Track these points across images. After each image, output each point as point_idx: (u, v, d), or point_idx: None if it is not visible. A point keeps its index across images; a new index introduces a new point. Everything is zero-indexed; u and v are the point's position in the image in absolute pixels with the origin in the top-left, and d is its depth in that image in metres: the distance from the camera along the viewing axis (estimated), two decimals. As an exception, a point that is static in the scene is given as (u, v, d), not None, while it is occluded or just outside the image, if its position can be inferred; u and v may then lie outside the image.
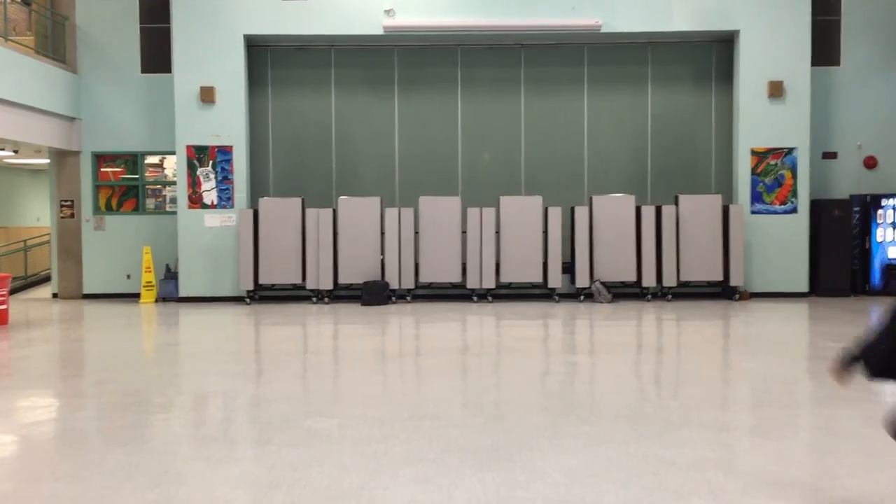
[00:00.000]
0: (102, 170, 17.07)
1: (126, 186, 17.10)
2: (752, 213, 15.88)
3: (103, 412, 7.31)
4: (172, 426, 6.79)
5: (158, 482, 5.11)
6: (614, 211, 15.54)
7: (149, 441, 6.26)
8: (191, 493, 4.91)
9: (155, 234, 16.77)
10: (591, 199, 15.72)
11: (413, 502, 4.63)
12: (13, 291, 16.85)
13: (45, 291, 18.58)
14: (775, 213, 15.93)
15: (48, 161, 17.56)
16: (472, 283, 15.28)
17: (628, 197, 15.72)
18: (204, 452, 5.87)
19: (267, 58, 16.58)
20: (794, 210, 15.91)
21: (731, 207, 15.48)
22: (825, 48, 16.44)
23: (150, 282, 16.14)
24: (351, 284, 15.54)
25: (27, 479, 5.30)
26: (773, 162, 15.93)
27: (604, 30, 15.79)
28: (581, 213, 15.48)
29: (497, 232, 15.41)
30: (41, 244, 21.45)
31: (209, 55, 15.77)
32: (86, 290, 16.88)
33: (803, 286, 15.85)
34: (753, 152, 15.95)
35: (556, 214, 15.40)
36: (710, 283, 15.87)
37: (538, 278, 15.51)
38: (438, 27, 15.80)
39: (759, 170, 15.94)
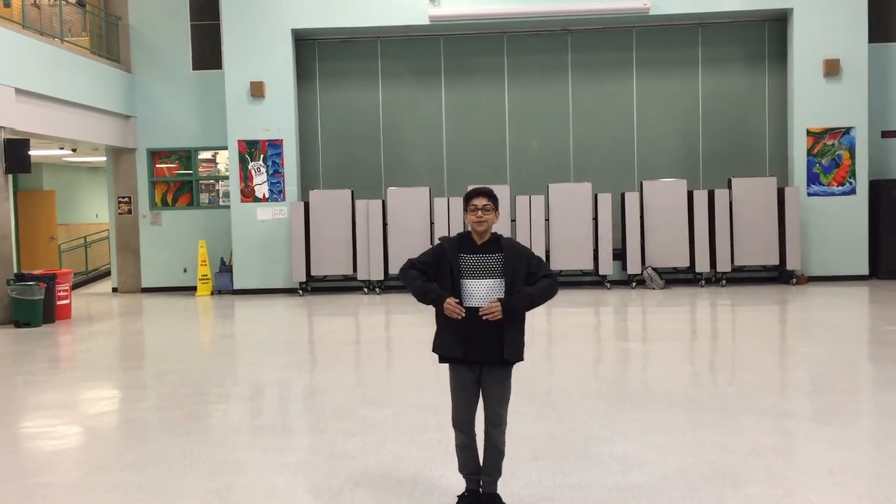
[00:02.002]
0: (157, 166, 17.42)
1: (180, 182, 17.43)
2: (809, 195, 15.53)
3: (164, 403, 7.49)
4: (231, 416, 6.93)
5: (219, 470, 5.23)
6: (665, 196, 15.34)
7: (208, 431, 6.40)
8: (251, 481, 5.01)
9: (209, 228, 17.06)
10: (641, 185, 15.54)
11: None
12: (75, 286, 17.33)
13: (105, 286, 19.06)
14: (833, 194, 15.55)
15: (105, 159, 17.97)
16: (522, 271, 15.20)
17: (680, 181, 15.50)
18: (262, 441, 5.98)
19: (314, 51, 16.71)
20: (852, 191, 15.52)
21: (787, 190, 15.16)
22: (882, 24, 15.96)
23: (206, 275, 16.44)
24: (402, 274, 15.59)
25: (94, 468, 5.47)
26: (829, 142, 15.54)
27: (652, 12, 15.56)
28: (631, 199, 15.32)
29: (546, 219, 15.34)
30: (101, 240, 22.00)
31: (258, 50, 15.96)
32: (144, 284, 17.27)
33: (863, 269, 15.47)
34: (809, 133, 15.58)
35: (605, 201, 15.27)
36: (765, 268, 15.59)
37: (589, 265, 15.40)
38: (484, 15, 15.74)
39: (815, 151, 15.57)
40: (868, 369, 8.25)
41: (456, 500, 4.36)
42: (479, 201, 4.15)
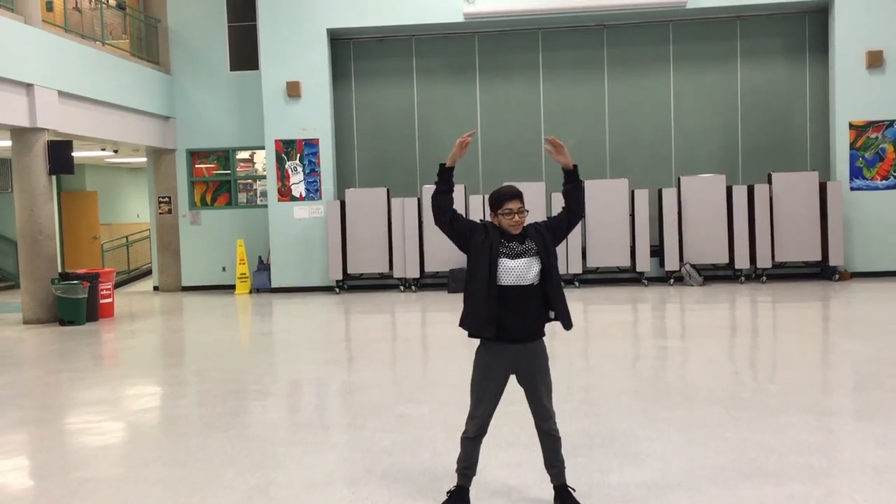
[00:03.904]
0: (196, 166, 17.65)
1: (219, 182, 17.64)
2: (852, 189, 15.24)
3: (204, 399, 7.59)
4: (270, 412, 7.00)
5: (259, 466, 5.29)
6: (704, 191, 15.16)
7: (248, 427, 6.47)
8: (290, 477, 5.06)
9: (247, 227, 17.25)
10: (679, 180, 15.37)
11: (505, 486, 4.66)
12: (118, 285, 17.64)
13: (146, 285, 19.37)
14: (877, 188, 15.25)
15: (146, 159, 18.25)
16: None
17: (718, 177, 15.31)
18: (301, 438, 6.03)
19: (350, 51, 16.80)
20: (896, 185, 15.21)
21: (829, 184, 14.89)
22: (928, 13, 15.59)
23: (245, 273, 16.62)
24: (437, 272, 15.65)
25: (137, 463, 5.56)
26: (873, 135, 15.24)
27: (689, 6, 15.38)
28: (669, 195, 15.17)
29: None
30: (142, 239, 22.36)
31: (294, 50, 16.08)
32: (184, 283, 17.51)
33: (908, 264, 15.14)
34: (852, 126, 15.29)
35: (642, 197, 15.13)
36: (807, 264, 15.33)
37: (626, 262, 15.28)
38: (519, 11, 15.68)
39: (858, 144, 15.28)
40: (914, 367, 8.07)
41: (446, 495, 4.34)
42: (514, 205, 4.17)
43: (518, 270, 4.13)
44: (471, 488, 4.36)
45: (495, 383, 4.21)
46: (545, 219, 4.41)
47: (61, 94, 13.28)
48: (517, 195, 4.21)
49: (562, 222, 4.34)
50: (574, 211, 4.35)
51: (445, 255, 15.49)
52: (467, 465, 4.33)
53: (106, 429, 6.57)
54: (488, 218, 4.31)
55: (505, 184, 4.40)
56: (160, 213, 17.54)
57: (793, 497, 4.38)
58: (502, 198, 4.19)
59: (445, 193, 4.31)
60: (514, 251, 4.16)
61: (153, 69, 16.74)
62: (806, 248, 14.98)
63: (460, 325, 4.23)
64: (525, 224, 4.24)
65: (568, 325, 4.26)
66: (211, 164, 17.69)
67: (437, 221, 4.29)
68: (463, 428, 4.31)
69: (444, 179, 4.34)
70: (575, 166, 4.40)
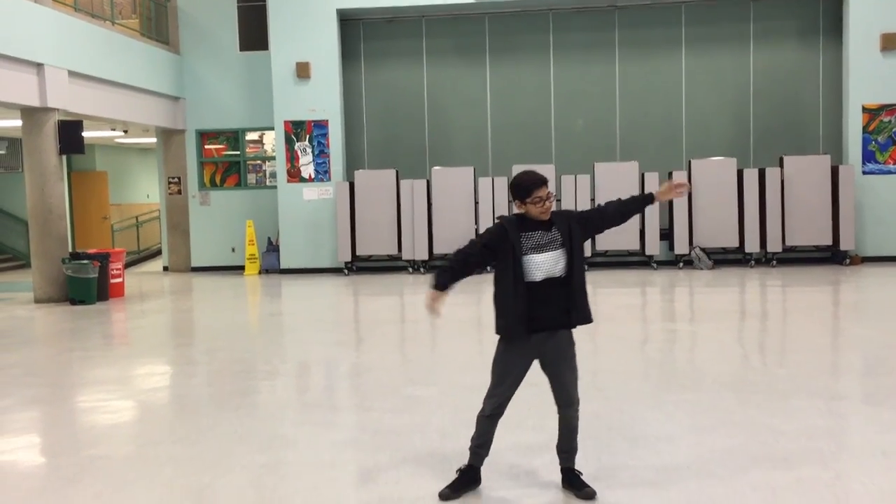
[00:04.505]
0: (206, 147, 17.65)
1: (228, 163, 17.64)
2: (864, 173, 15.13)
3: (214, 379, 7.63)
4: (279, 392, 7.03)
5: (269, 445, 5.31)
6: (714, 175, 15.09)
7: (257, 407, 6.51)
8: (300, 457, 5.08)
9: (257, 208, 17.26)
10: (689, 163, 15.30)
11: (514, 467, 4.67)
12: (127, 265, 17.71)
13: (156, 265, 19.44)
14: (889, 173, 15.14)
15: (155, 140, 18.26)
16: (567, 251, 15.10)
17: (729, 160, 15.22)
18: (310, 418, 6.06)
19: (359, 31, 16.72)
20: (909, 169, 15.09)
21: (841, 168, 14.79)
22: (944, -5, 15.41)
23: (254, 254, 16.66)
24: (446, 254, 15.62)
25: (147, 441, 5.60)
26: (886, 119, 15.11)
27: (702, -13, 15.24)
28: (679, 178, 15.08)
29: (592, 199, 15.20)
30: (151, 220, 22.42)
31: (304, 31, 16.02)
32: (194, 264, 17.56)
33: (920, 249, 15.05)
34: (865, 109, 15.16)
35: (653, 180, 15.05)
36: (817, 248, 15.26)
37: (635, 245, 15.24)
38: (530, -8, 15.57)
39: (871, 128, 15.15)
40: (924, 352, 8.04)
41: (456, 474, 4.36)
42: (543, 192, 4.13)
43: (547, 265, 4.11)
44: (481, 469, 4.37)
45: (518, 367, 4.22)
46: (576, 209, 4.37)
47: (71, 73, 13.28)
48: (544, 181, 4.15)
49: (599, 221, 4.27)
50: (621, 221, 4.32)
51: (454, 237, 15.45)
52: (480, 444, 4.34)
53: (116, 407, 6.61)
54: (512, 210, 4.29)
55: (523, 169, 4.34)
56: (170, 194, 17.57)
57: (801, 481, 4.38)
58: (532, 186, 4.13)
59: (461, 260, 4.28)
60: (538, 242, 4.13)
61: (163, 49, 16.71)
62: (817, 232, 14.90)
63: (497, 332, 4.24)
64: (553, 211, 4.21)
65: (584, 320, 4.22)
66: (220, 144, 17.69)
67: (455, 259, 4.31)
68: (473, 408, 4.31)
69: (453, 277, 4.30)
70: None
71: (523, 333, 4.13)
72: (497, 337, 4.28)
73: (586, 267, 4.31)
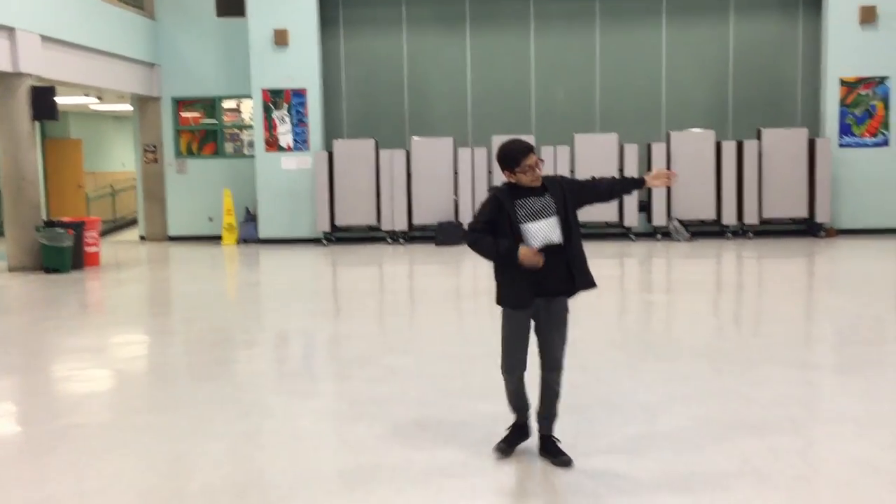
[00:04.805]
0: (182, 115, 17.43)
1: (205, 131, 17.44)
2: (841, 146, 15.24)
3: (192, 348, 7.60)
4: (257, 362, 7.02)
5: (247, 413, 5.32)
6: (693, 147, 15.14)
7: (236, 376, 6.50)
8: (278, 425, 5.09)
9: (234, 177, 17.11)
10: (668, 135, 15.33)
11: (492, 434, 4.70)
12: (103, 234, 17.52)
13: (132, 234, 19.26)
14: (865, 146, 15.26)
15: (131, 107, 18.00)
16: (546, 222, 15.13)
17: (708, 132, 15.27)
18: (288, 387, 6.07)
19: (338, -2, 16.52)
20: (885, 143, 15.21)
21: (818, 141, 14.89)
22: (923, -31, 15.45)
23: (231, 224, 16.54)
24: (425, 225, 15.62)
25: (124, 410, 5.58)
26: (863, 92, 15.19)
27: (683, -43, 15.17)
28: (658, 150, 15.13)
29: (572, 171, 15.21)
30: (127, 188, 22.16)
31: (282, -3, 15.79)
32: (170, 233, 17.42)
33: (894, 222, 15.22)
34: (843, 82, 15.23)
35: (632, 151, 15.09)
36: (794, 221, 15.39)
37: (613, 217, 15.29)
38: (511, -40, 15.41)
39: (848, 101, 15.24)
40: (895, 322, 8.17)
41: (507, 430, 4.46)
42: (532, 159, 4.12)
43: (544, 232, 4.13)
44: (455, 436, 4.40)
45: (523, 330, 4.25)
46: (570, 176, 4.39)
47: (44, 38, 13.02)
48: (531, 148, 4.16)
49: (590, 195, 4.30)
50: (609, 199, 4.37)
51: (433, 208, 15.46)
52: (518, 407, 4.42)
53: (92, 376, 6.58)
54: (500, 180, 4.26)
55: (507, 139, 4.31)
56: (146, 162, 17.37)
57: (774, 448, 4.45)
58: (520, 155, 4.12)
59: (482, 239, 4.20)
60: (531, 209, 4.14)
61: (138, 14, 16.42)
62: (793, 205, 15.03)
63: (498, 303, 4.26)
64: (544, 176, 4.21)
65: (589, 285, 4.28)
66: (197, 112, 17.47)
67: (481, 247, 4.22)
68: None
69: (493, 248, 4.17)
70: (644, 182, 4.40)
71: (529, 302, 4.17)
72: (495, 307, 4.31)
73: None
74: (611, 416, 5.04)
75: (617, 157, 15.15)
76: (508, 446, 4.41)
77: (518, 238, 4.11)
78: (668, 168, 14.97)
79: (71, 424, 5.20)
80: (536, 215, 4.14)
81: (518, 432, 4.45)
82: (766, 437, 4.62)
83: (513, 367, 4.31)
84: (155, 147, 17.28)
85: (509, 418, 5.00)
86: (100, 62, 15.03)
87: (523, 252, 4.06)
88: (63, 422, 5.28)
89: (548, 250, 4.13)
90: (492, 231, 4.19)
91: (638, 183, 4.39)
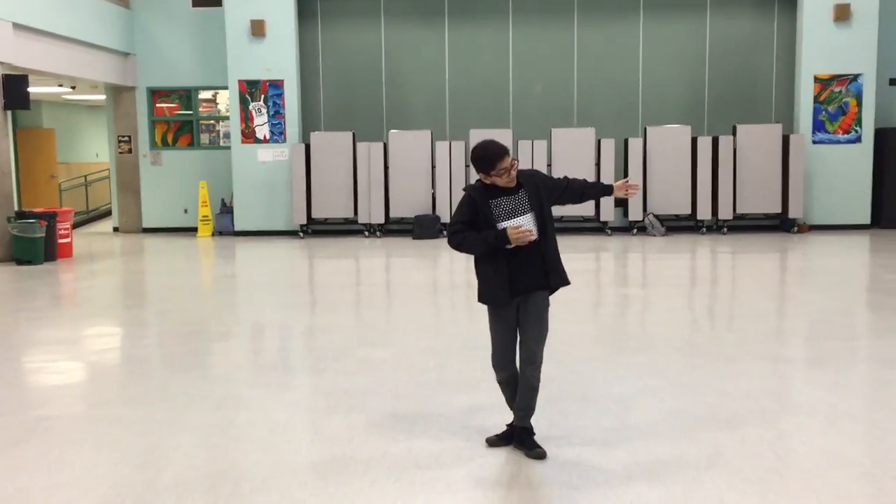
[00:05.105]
0: (157, 105, 17.26)
1: (181, 122, 17.29)
2: (814, 142, 15.40)
3: (165, 340, 7.55)
4: (232, 354, 6.98)
5: (220, 406, 5.29)
6: (669, 142, 15.23)
7: (210, 368, 6.47)
8: (252, 417, 5.07)
9: (210, 168, 16.98)
10: (645, 130, 15.41)
11: (466, 428, 4.71)
12: (76, 225, 17.33)
13: (106, 225, 19.06)
14: (838, 142, 15.43)
15: (104, 97, 17.80)
16: (523, 216, 15.17)
17: (684, 128, 15.37)
18: (263, 379, 6.04)
19: (316, -11, 16.42)
20: (857, 139, 15.39)
21: (792, 137, 15.04)
22: (896, -32, 15.64)
23: (207, 216, 16.42)
24: (402, 218, 15.60)
25: (96, 402, 5.53)
26: (837, 89, 15.36)
27: (661, -47, 15.23)
28: (635, 145, 15.21)
29: (549, 165, 15.24)
30: (101, 179, 21.92)
31: (259, -13, 15.67)
32: (145, 225, 17.27)
33: (865, 218, 15.41)
34: (817, 79, 15.38)
35: (609, 146, 15.16)
36: (767, 216, 15.55)
37: (590, 212, 15.35)
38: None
39: (822, 97, 15.40)
40: (866, 317, 8.28)
41: (505, 427, 4.46)
42: (507, 162, 4.13)
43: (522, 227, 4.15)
44: (430, 429, 4.40)
45: (508, 326, 4.27)
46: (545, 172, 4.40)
47: (16, 26, 12.83)
48: (506, 151, 4.17)
49: (564, 194, 4.36)
50: (579, 201, 4.43)
51: (411, 201, 15.44)
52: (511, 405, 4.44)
53: (65, 368, 6.51)
54: (470, 176, 4.29)
55: (482, 140, 4.28)
56: (120, 153, 17.20)
57: (745, 440, 4.50)
58: (495, 158, 4.13)
59: (468, 235, 4.21)
60: (507, 207, 4.17)
61: (112, 3, 16.21)
62: (767, 201, 15.18)
63: (479, 300, 4.30)
64: (518, 171, 4.22)
65: (562, 283, 4.34)
66: (172, 103, 17.32)
67: (468, 243, 4.23)
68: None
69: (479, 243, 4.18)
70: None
71: (506, 299, 4.20)
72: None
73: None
74: (585, 409, 5.07)
75: (594, 152, 15.22)
76: (499, 439, 4.43)
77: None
78: (645, 162, 15.09)
79: (43, 416, 5.15)
80: (512, 213, 4.17)
81: (522, 439, 4.39)
82: (738, 430, 4.66)
83: (500, 364, 4.33)
84: (129, 137, 17.11)
85: (486, 410, 5.02)
86: (73, 51, 14.84)
87: (511, 231, 4.08)
88: (35, 413, 5.22)
89: (524, 247, 4.15)
90: (475, 228, 4.21)
91: (607, 190, 4.51)
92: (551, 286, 4.30)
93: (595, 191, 4.49)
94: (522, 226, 4.11)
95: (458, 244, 4.23)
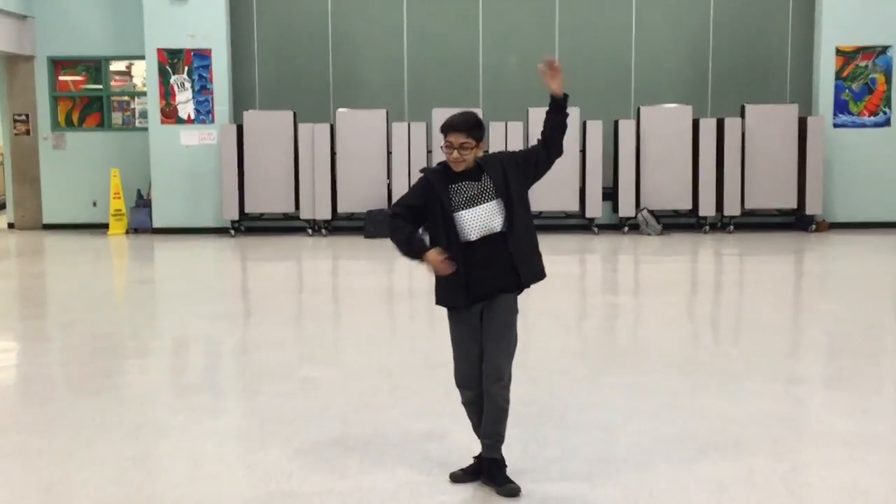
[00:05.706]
0: (61, 78, 17.07)
1: (88, 98, 17.11)
2: (835, 126, 15.65)
3: (71, 357, 7.50)
4: (149, 373, 6.94)
5: (136, 435, 5.26)
6: (667, 124, 15.39)
7: (123, 389, 6.42)
8: (173, 448, 5.05)
9: (124, 153, 16.83)
10: (638, 111, 15.56)
11: (427, 460, 4.73)
12: (-40, 221, 17.10)
13: (-2, 221, 18.81)
14: (864, 126, 15.70)
15: (-5, 67, 17.58)
16: (497, 211, 15.23)
17: (684, 108, 15.53)
18: (186, 403, 6.01)
19: (251, -59, 16.37)
20: (886, 122, 15.68)
21: (810, 120, 15.27)
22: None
23: (120, 210, 16.28)
24: (352, 214, 15.60)
25: (-15, 432, 5.47)
26: (862, 64, 15.63)
27: None
28: (626, 128, 15.34)
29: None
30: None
31: (182, -62, 15.58)
32: (46, 220, 17.06)
33: (894, 215, 15.68)
34: (839, 52, 15.64)
35: (596, 129, 15.27)
36: (780, 212, 15.77)
37: (574, 206, 15.46)
38: None
39: (845, 73, 15.66)
40: (894, 330, 8.44)
41: (472, 460, 4.45)
42: (456, 139, 4.16)
43: (481, 220, 4.19)
44: (384, 462, 4.41)
45: (469, 337, 4.28)
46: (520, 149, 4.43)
47: None
48: (460, 127, 4.18)
49: (538, 157, 4.38)
50: (553, 147, 4.40)
51: (362, 193, 15.42)
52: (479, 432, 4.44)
53: (-54, 392, 6.42)
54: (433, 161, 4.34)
55: (459, 111, 4.35)
56: (15, 135, 17.00)
57: (753, 472, 4.57)
58: (445, 127, 4.20)
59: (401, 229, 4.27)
60: (466, 195, 4.20)
61: (5, -45, 16.02)
62: (780, 194, 15.37)
63: (436, 302, 4.34)
64: (482, 155, 4.25)
65: (536, 277, 4.36)
66: (79, 76, 17.15)
67: (395, 238, 4.30)
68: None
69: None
70: (565, 96, 4.38)
71: (462, 302, 4.21)
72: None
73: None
74: (566, 437, 5.11)
75: (579, 136, 15.30)
76: (465, 474, 4.43)
77: (448, 227, 4.15)
78: (638, 151, 15.23)
79: (-82, 450, 5.08)
80: (472, 201, 4.20)
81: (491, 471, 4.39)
82: (745, 460, 4.73)
83: (464, 382, 4.35)
84: (27, 116, 16.91)
85: (449, 439, 5.05)
86: (-43, 12, 14.63)
87: (430, 257, 4.11)
88: None
89: (488, 241, 4.19)
90: (419, 218, 4.24)
91: (553, 99, 4.38)
92: (522, 283, 4.31)
93: (553, 118, 4.38)
94: (447, 260, 4.10)
95: (391, 231, 4.28)
